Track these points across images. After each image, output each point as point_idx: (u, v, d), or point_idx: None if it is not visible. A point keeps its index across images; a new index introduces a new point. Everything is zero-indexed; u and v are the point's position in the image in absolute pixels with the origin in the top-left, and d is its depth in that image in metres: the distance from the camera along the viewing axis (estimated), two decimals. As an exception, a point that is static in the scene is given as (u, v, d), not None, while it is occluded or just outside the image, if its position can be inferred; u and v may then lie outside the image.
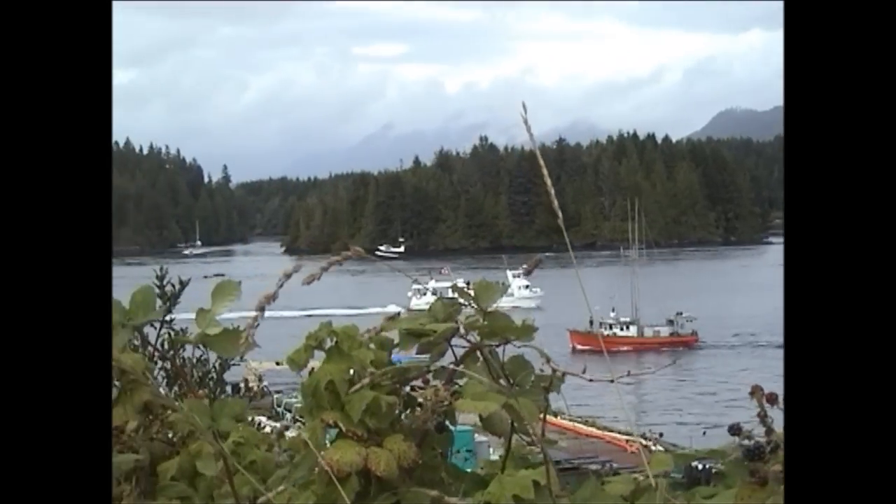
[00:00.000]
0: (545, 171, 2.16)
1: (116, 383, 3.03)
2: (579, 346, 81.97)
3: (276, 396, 54.42)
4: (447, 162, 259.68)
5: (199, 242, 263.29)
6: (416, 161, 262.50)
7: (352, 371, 2.13)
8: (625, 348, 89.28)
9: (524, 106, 2.10)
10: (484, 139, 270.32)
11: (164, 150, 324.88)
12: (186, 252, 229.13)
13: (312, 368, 2.26)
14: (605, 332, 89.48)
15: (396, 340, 2.34)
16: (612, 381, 2.24)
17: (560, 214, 2.20)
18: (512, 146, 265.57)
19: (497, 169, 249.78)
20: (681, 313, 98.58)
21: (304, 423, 2.35)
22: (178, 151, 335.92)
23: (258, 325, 2.03)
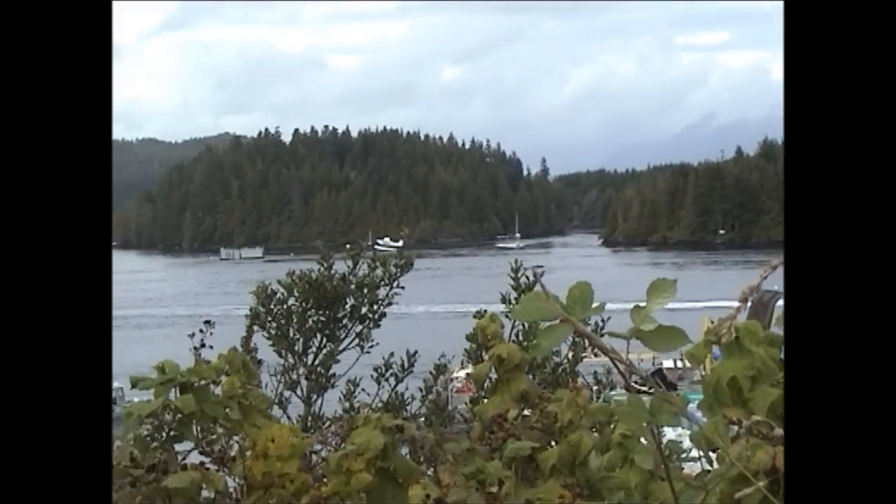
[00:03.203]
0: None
1: (493, 374, 3.13)
2: None
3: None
4: (772, 151, 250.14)
5: (518, 234, 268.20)
6: (739, 151, 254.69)
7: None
8: None
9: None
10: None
11: (485, 144, 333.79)
12: (512, 245, 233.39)
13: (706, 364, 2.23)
14: None
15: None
16: None
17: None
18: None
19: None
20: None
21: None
22: (499, 145, 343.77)
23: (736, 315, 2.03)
